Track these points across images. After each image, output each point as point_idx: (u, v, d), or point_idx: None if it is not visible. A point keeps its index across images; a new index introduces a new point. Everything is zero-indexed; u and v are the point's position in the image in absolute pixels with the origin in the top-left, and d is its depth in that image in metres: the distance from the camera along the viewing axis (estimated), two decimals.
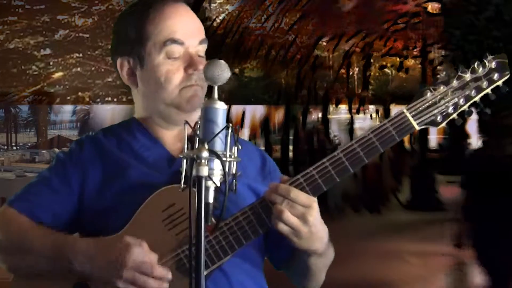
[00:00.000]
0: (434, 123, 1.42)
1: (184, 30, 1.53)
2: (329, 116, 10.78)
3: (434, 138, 11.79)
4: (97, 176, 1.51)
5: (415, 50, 11.01)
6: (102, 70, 14.98)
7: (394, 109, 13.18)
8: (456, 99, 1.41)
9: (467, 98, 1.42)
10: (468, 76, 1.42)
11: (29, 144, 19.04)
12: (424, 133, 11.01)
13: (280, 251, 1.58)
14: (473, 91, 1.42)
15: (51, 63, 14.29)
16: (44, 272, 1.43)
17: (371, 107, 11.73)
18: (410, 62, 11.75)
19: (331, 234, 1.52)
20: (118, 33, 1.59)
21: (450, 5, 9.91)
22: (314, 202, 1.38)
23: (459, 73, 1.42)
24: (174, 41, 1.51)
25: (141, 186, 1.46)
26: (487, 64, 1.42)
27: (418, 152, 11.07)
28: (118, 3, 13.72)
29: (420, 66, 11.20)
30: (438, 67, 10.49)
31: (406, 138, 10.88)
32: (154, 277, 1.35)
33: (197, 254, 1.12)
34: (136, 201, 1.43)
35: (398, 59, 11.73)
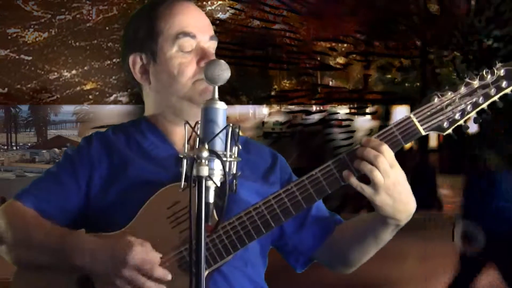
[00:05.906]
0: (441, 129, 1.42)
1: (195, 24, 1.55)
2: (328, 116, 10.78)
3: (434, 138, 11.79)
4: (104, 172, 1.53)
5: (415, 50, 11.00)
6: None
7: (394, 109, 13.18)
8: (463, 106, 1.41)
9: (475, 105, 1.41)
10: (476, 83, 1.41)
11: (29, 144, 19.04)
12: None
13: (305, 241, 1.60)
14: (481, 98, 1.41)
15: None
16: (47, 266, 1.44)
17: (371, 107, 11.73)
18: (409, 62, 11.75)
19: None
20: (129, 32, 1.61)
21: (450, 5, 9.92)
22: (387, 151, 1.38)
23: (467, 80, 1.41)
24: (186, 34, 1.53)
25: (147, 183, 1.47)
26: (495, 71, 1.41)
27: (418, 152, 11.06)
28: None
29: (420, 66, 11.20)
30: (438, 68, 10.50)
31: None
32: (154, 279, 1.35)
33: (197, 253, 1.13)
34: (141, 198, 1.45)
35: (397, 59, 11.73)
